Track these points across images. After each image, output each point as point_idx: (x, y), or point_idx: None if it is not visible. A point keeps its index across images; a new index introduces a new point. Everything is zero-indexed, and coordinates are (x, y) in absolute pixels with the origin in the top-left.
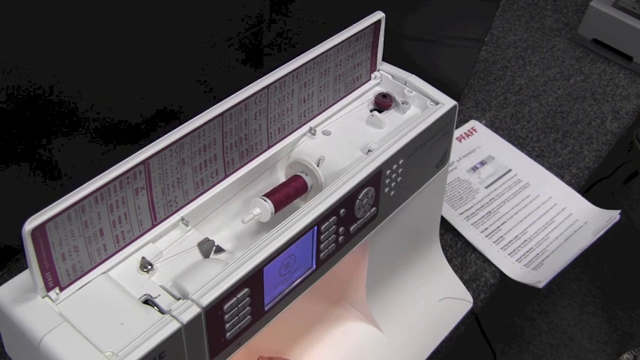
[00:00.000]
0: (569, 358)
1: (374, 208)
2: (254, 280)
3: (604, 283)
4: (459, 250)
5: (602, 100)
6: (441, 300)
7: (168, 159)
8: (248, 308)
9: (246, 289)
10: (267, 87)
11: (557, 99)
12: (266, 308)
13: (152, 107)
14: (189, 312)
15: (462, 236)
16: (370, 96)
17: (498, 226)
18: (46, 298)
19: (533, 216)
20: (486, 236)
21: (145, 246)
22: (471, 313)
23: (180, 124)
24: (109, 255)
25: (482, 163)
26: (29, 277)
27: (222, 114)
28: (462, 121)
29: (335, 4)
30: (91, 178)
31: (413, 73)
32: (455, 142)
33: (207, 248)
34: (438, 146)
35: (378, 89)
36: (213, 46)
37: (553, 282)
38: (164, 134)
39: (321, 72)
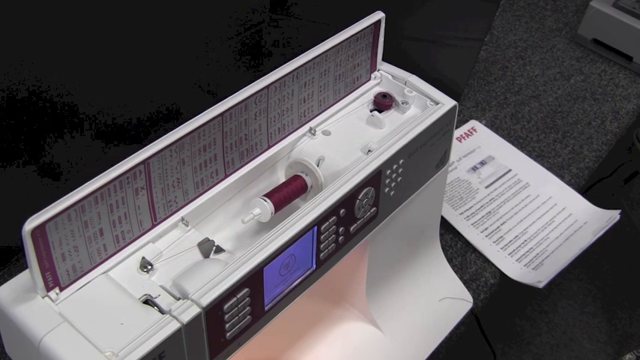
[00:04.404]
0: (569, 358)
1: (374, 208)
2: (254, 280)
3: (604, 283)
4: (459, 250)
5: (602, 100)
6: (441, 300)
7: (168, 159)
8: (248, 308)
9: (246, 289)
10: (267, 87)
11: (557, 99)
12: (266, 308)
13: (152, 107)
14: (189, 312)
15: (462, 236)
16: (370, 96)
17: (498, 226)
18: (46, 298)
19: (533, 216)
20: (486, 236)
21: (145, 246)
22: (471, 313)
23: (180, 124)
24: (109, 255)
25: (483, 163)
26: (29, 277)
27: (222, 114)
28: (462, 121)
29: (335, 4)
30: (91, 178)
31: (413, 73)
32: (455, 142)
33: (207, 248)
34: (438, 146)
35: (378, 89)
36: (213, 46)
37: (553, 282)
38: (164, 134)
39: (321, 72)
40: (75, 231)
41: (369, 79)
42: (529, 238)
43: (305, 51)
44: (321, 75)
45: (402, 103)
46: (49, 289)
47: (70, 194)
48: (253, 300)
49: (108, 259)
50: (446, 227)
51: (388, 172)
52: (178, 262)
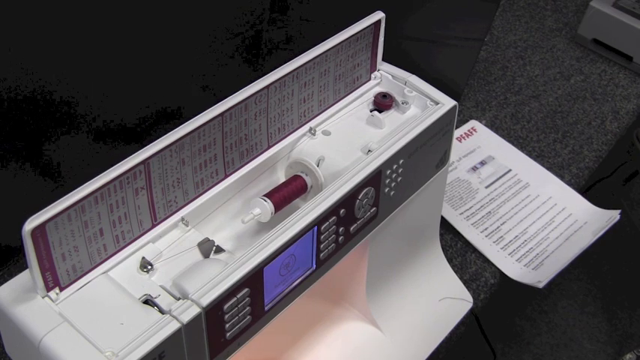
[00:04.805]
0: (569, 358)
1: (374, 208)
2: (254, 280)
3: (604, 283)
4: (459, 250)
5: (602, 100)
6: (441, 300)
7: (168, 159)
8: (248, 308)
9: (246, 289)
10: (267, 87)
11: (557, 99)
12: (266, 308)
13: (152, 107)
14: (189, 312)
15: (462, 236)
16: (370, 96)
17: (498, 226)
18: (46, 298)
19: (533, 216)
20: (486, 236)
21: (145, 246)
22: (471, 313)
23: (180, 124)
24: (109, 255)
25: (483, 163)
26: (29, 277)
27: (222, 114)
28: (462, 121)
29: (335, 4)
30: (91, 178)
31: (413, 73)
32: (455, 142)
33: (207, 248)
34: (438, 146)
35: (378, 89)
36: (213, 46)
37: (553, 282)
38: (164, 134)
39: (321, 72)
40: (75, 231)
41: (369, 79)
42: (529, 238)
43: (305, 51)
44: (321, 75)
45: (402, 103)
46: (49, 289)
47: (70, 194)
48: (253, 300)
49: (108, 259)
50: (446, 227)
51: (388, 172)
52: (178, 262)
